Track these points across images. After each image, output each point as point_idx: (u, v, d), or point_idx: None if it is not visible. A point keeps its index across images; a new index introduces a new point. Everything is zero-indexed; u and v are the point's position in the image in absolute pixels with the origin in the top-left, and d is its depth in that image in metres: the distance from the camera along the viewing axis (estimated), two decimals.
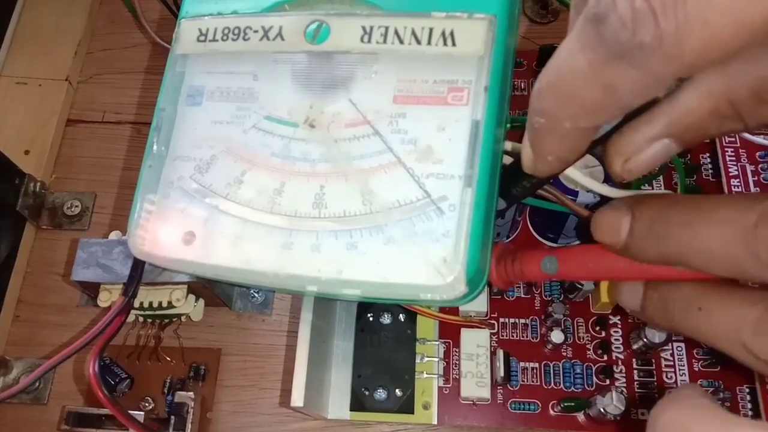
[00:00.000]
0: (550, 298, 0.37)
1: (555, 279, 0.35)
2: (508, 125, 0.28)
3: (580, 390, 0.35)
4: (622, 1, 0.14)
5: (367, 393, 0.34)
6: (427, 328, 0.36)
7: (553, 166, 0.19)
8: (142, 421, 0.32)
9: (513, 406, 0.35)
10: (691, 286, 0.19)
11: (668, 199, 0.19)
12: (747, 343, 0.17)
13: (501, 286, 0.26)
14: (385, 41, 0.26)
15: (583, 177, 0.26)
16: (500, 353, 0.34)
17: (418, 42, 0.26)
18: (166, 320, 0.37)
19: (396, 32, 0.26)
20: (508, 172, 0.25)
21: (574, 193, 0.30)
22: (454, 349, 0.36)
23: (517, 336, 0.36)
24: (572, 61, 0.15)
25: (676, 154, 0.18)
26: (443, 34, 0.25)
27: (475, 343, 0.35)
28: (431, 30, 0.25)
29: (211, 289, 0.35)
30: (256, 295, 0.39)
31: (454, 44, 0.25)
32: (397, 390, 0.34)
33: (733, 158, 0.37)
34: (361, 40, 0.26)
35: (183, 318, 0.36)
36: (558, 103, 0.17)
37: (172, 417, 0.34)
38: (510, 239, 0.38)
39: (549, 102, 0.17)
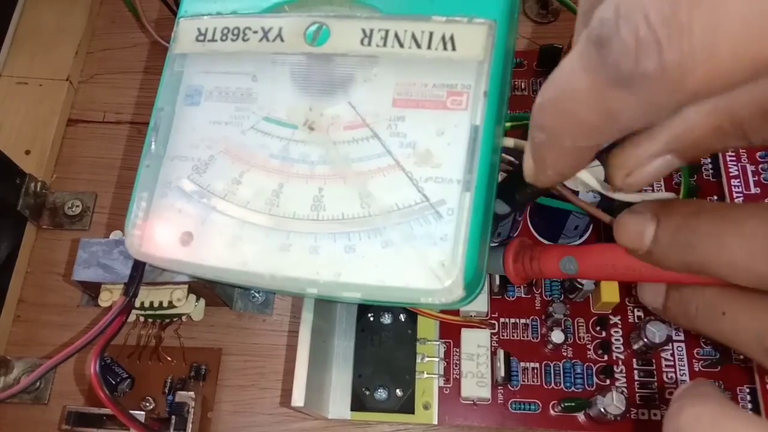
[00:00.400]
0: (550, 298, 0.37)
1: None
2: (508, 125, 0.27)
3: (580, 390, 0.35)
4: (625, 28, 0.13)
5: (367, 393, 0.34)
6: (427, 328, 0.36)
7: (554, 179, 0.19)
8: (143, 420, 0.32)
9: (513, 406, 0.35)
10: (714, 290, 0.19)
11: (694, 206, 0.19)
12: None
13: (518, 283, 0.26)
14: (384, 44, 0.26)
15: (590, 178, 0.26)
16: (501, 353, 0.34)
17: (418, 46, 0.25)
18: (167, 320, 0.37)
19: (396, 36, 0.26)
20: (512, 179, 0.25)
21: (574, 192, 0.30)
22: (454, 349, 0.36)
23: (517, 336, 0.36)
24: (574, 79, 0.15)
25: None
26: (443, 38, 0.25)
27: (476, 343, 0.35)
28: (431, 34, 0.25)
29: (212, 289, 0.35)
30: (257, 295, 0.39)
31: (453, 49, 0.25)
32: (397, 390, 0.34)
33: (734, 158, 0.37)
34: (361, 42, 0.26)
35: (184, 318, 0.36)
36: (558, 122, 0.16)
37: (173, 417, 0.34)
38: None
39: (550, 119, 0.17)
